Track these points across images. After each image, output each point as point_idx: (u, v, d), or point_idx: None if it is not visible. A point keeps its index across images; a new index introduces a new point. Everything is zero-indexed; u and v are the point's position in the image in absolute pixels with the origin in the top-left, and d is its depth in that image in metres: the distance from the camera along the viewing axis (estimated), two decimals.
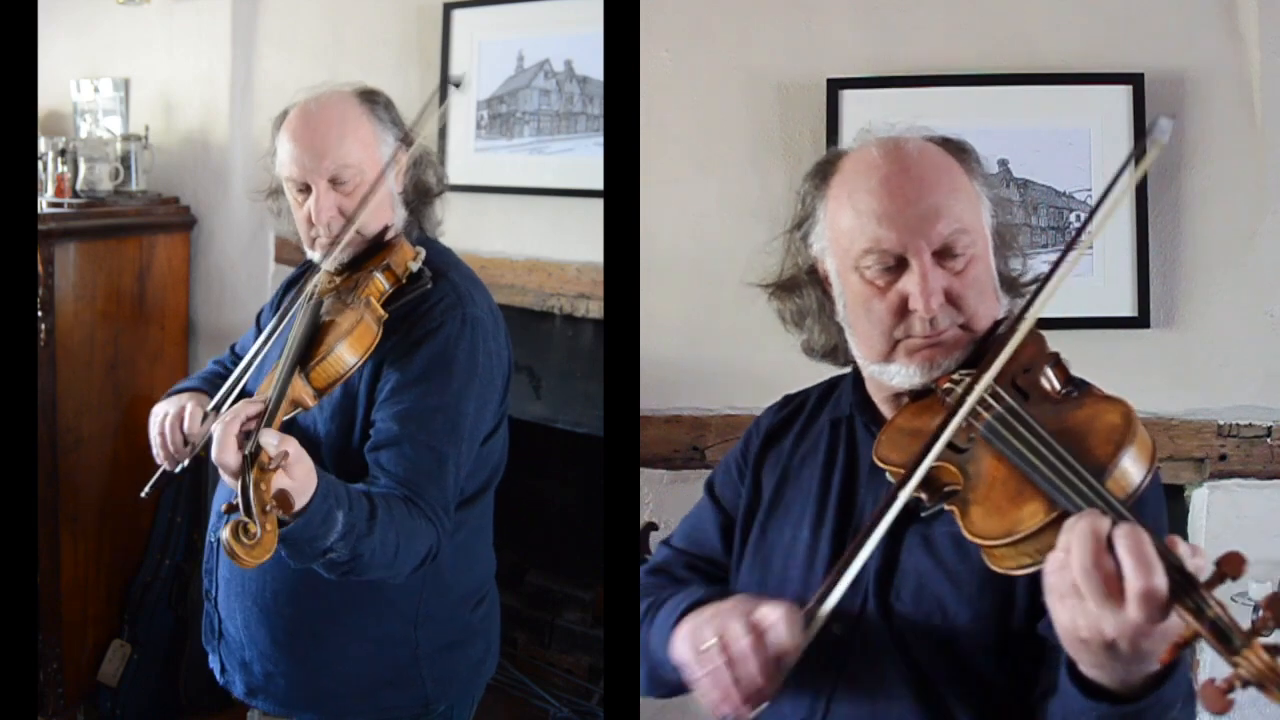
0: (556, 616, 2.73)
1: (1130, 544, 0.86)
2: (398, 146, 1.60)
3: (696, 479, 2.21)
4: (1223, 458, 2.05)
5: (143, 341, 2.88)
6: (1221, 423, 2.06)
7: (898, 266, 1.17)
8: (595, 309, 2.30)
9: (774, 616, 1.05)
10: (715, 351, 2.22)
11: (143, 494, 1.54)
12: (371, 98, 1.61)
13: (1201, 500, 2.08)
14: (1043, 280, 1.16)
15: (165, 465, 1.57)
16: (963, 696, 1.13)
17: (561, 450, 2.56)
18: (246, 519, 1.14)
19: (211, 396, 1.58)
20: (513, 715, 2.55)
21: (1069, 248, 1.17)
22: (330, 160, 1.52)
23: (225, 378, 1.73)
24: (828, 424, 1.35)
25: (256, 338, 1.78)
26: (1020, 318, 1.15)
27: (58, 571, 2.67)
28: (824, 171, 1.26)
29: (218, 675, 1.64)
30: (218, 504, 1.61)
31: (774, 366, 2.14)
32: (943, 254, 1.17)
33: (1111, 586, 0.86)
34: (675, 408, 2.23)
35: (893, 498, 1.09)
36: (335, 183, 1.53)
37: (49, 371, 2.60)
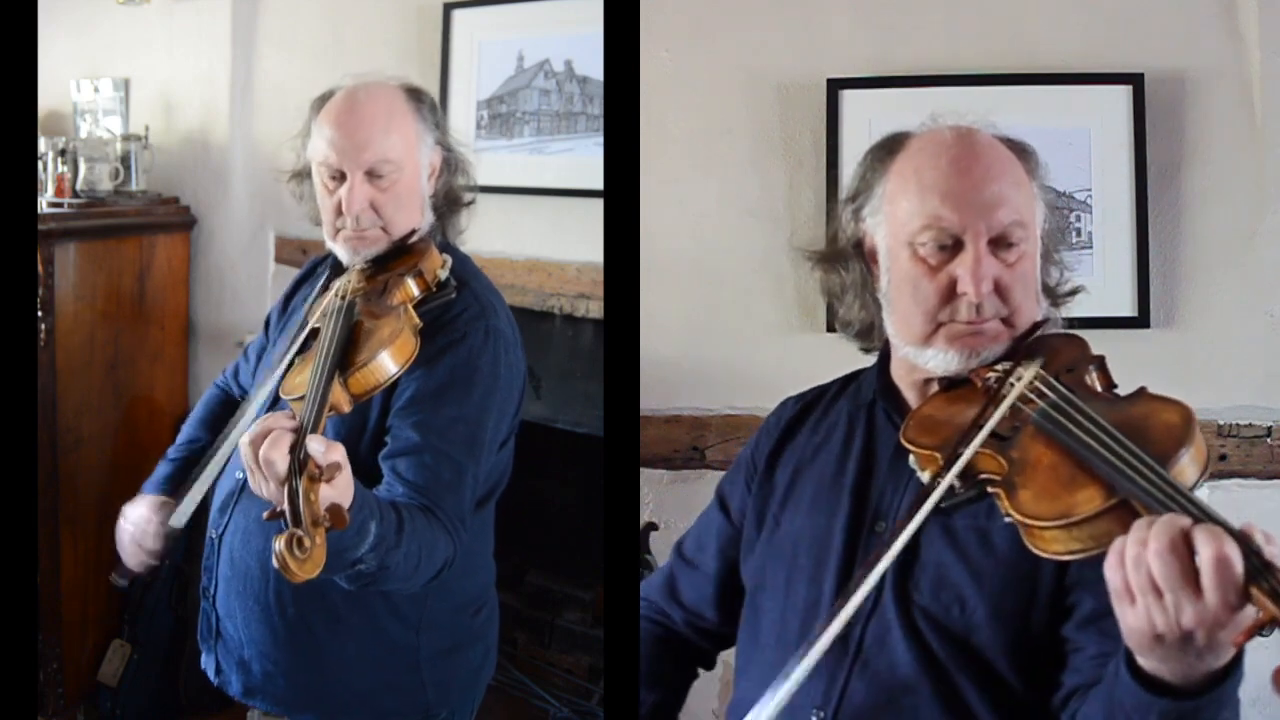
0: (556, 616, 2.73)
1: (1208, 529, 0.86)
2: (435, 149, 1.59)
3: (696, 479, 2.23)
4: (1223, 458, 2.05)
5: (143, 341, 2.88)
6: (1221, 423, 2.06)
7: (952, 248, 1.18)
8: (595, 309, 2.30)
9: None
10: (715, 351, 2.22)
11: (113, 580, 1.58)
12: (418, 95, 1.59)
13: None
14: None
15: (135, 567, 1.58)
16: (979, 691, 1.13)
17: (561, 450, 2.56)
18: (299, 532, 1.08)
19: (175, 494, 1.58)
20: (513, 715, 2.55)
21: None
22: (372, 152, 1.50)
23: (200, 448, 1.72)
24: (846, 410, 1.36)
25: (266, 343, 1.77)
26: None
27: (58, 571, 2.67)
28: (890, 147, 1.27)
29: (212, 675, 1.62)
30: (217, 500, 1.61)
31: (774, 366, 2.15)
32: (998, 243, 1.18)
33: (1190, 573, 0.85)
34: (675, 408, 2.23)
35: (930, 486, 1.08)
36: (372, 175, 1.51)
37: (49, 371, 2.60)
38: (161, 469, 1.70)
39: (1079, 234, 2.10)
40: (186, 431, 1.79)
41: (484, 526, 1.64)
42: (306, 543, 1.08)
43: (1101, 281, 2.07)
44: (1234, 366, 2.06)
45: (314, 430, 1.20)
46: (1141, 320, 2.06)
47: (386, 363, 1.37)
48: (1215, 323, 2.07)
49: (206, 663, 1.64)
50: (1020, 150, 1.25)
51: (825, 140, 2.15)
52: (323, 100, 1.57)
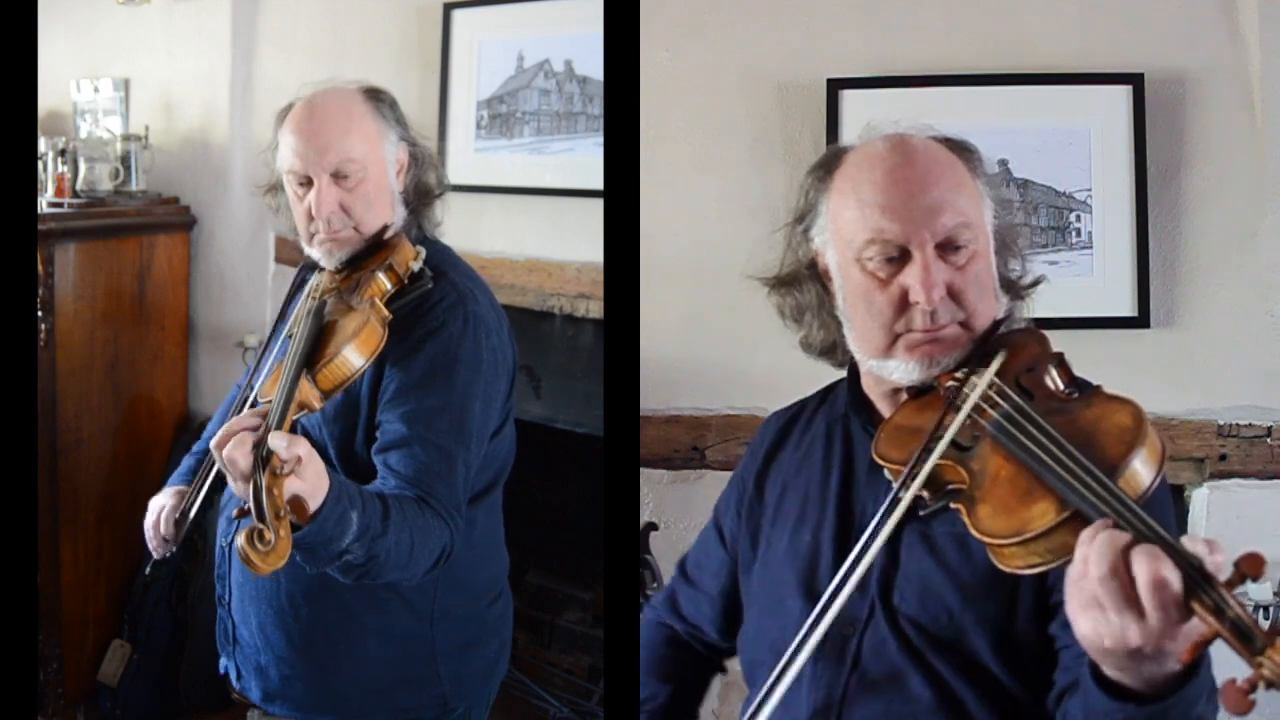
0: (556, 616, 2.73)
1: (1145, 551, 0.86)
2: (400, 145, 1.61)
3: (696, 479, 2.23)
4: (1223, 458, 2.05)
5: (143, 341, 2.88)
6: (1221, 423, 2.06)
7: (900, 259, 1.17)
8: (595, 309, 2.30)
9: None
10: (715, 351, 2.22)
11: (145, 573, 1.65)
12: (376, 95, 1.61)
13: (1201, 500, 2.08)
14: None
15: (156, 553, 1.61)
16: (977, 696, 1.13)
17: (561, 450, 2.56)
18: (261, 525, 1.12)
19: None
20: (513, 715, 2.55)
21: None
22: (334, 154, 1.52)
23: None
24: (824, 425, 1.36)
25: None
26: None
27: (58, 571, 2.67)
28: (828, 165, 1.26)
29: (234, 681, 1.63)
30: (226, 510, 1.61)
31: (773, 367, 2.15)
32: (945, 247, 1.17)
33: (1131, 594, 0.86)
34: (675, 408, 2.23)
35: (896, 499, 1.08)
36: (338, 177, 1.53)
37: (49, 371, 2.60)
38: (186, 462, 1.73)
39: (1079, 234, 2.10)
40: (210, 428, 1.81)
41: (493, 516, 1.65)
42: (268, 535, 1.12)
43: (1101, 281, 2.07)
44: (1234, 366, 2.06)
45: (279, 427, 1.23)
46: (1141, 320, 2.06)
47: (352, 356, 1.39)
48: (1215, 323, 2.07)
49: (227, 668, 1.65)
50: (960, 149, 1.24)
51: (825, 140, 2.15)
52: (285, 112, 1.60)
